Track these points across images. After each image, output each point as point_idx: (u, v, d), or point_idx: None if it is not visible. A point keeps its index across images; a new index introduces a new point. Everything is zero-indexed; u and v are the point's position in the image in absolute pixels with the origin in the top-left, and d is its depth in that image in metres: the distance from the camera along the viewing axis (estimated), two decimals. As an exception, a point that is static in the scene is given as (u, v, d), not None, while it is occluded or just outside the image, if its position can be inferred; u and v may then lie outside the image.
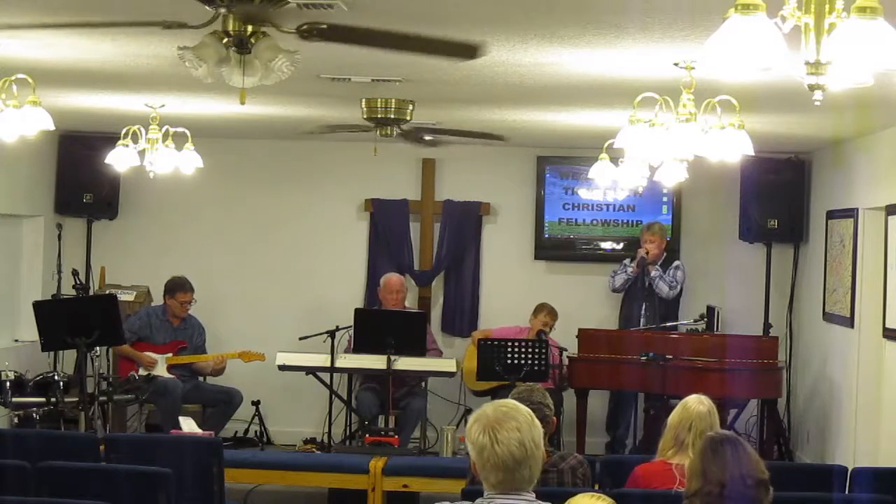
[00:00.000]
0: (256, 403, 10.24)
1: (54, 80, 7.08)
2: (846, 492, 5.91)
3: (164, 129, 7.88)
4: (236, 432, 10.27)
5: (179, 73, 5.68)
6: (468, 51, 4.89)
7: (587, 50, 5.64)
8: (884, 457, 8.13)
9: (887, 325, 8.26)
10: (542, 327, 9.79)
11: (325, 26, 4.61)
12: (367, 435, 8.93)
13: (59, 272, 10.31)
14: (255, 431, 10.38)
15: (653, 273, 9.98)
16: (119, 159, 7.93)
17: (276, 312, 10.76)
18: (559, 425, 7.95)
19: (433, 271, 10.93)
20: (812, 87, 2.93)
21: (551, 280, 10.84)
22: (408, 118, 7.84)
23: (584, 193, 10.82)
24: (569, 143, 10.15)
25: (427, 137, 8.79)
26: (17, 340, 9.94)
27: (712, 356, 9.10)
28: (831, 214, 9.68)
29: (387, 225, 10.91)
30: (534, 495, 3.41)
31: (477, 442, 3.37)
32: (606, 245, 10.88)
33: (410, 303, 10.50)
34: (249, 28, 4.54)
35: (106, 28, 5.38)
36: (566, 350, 9.70)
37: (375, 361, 9.08)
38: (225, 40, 4.56)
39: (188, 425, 7.79)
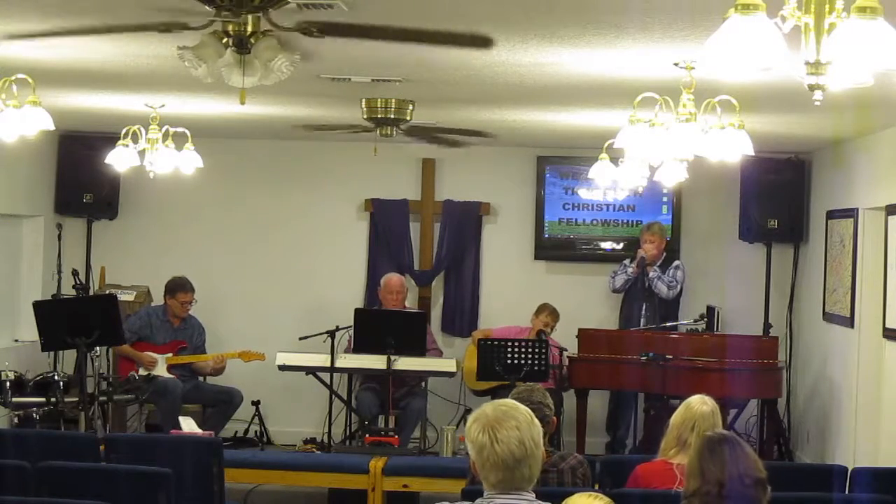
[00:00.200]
0: (256, 403, 10.24)
1: (54, 80, 7.08)
2: (846, 492, 5.91)
3: (164, 129, 7.88)
4: (236, 432, 10.27)
5: (179, 73, 5.68)
6: (483, 42, 4.90)
7: (587, 50, 5.64)
8: (884, 457, 8.13)
9: (887, 325, 8.26)
10: (543, 327, 9.79)
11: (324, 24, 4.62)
12: (367, 435, 8.93)
13: (59, 272, 10.31)
14: (255, 431, 10.38)
15: (651, 274, 9.98)
16: (119, 159, 7.93)
17: (276, 312, 10.76)
18: (559, 425, 7.95)
19: (433, 271, 10.94)
20: (812, 87, 2.93)
21: (551, 280, 10.84)
22: (408, 118, 7.84)
23: (584, 193, 10.83)
24: (569, 143, 10.15)
25: (441, 136, 8.79)
26: (17, 340, 9.94)
27: (712, 356, 9.10)
28: (831, 214, 9.68)
29: (387, 225, 10.91)
30: (534, 495, 3.41)
31: (477, 441, 3.37)
32: (606, 245, 10.88)
33: (410, 303, 10.50)
34: (249, 28, 4.54)
35: (106, 29, 5.38)
36: (566, 350, 9.70)
37: (375, 361, 9.08)
38: (225, 40, 4.56)
39: (188, 425, 7.79)
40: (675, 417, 5.21)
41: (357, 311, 9.52)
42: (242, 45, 4.53)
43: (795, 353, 10.51)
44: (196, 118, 8.66)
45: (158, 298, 10.06)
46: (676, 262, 10.24)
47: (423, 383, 9.80)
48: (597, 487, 5.68)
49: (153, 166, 7.87)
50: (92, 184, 10.35)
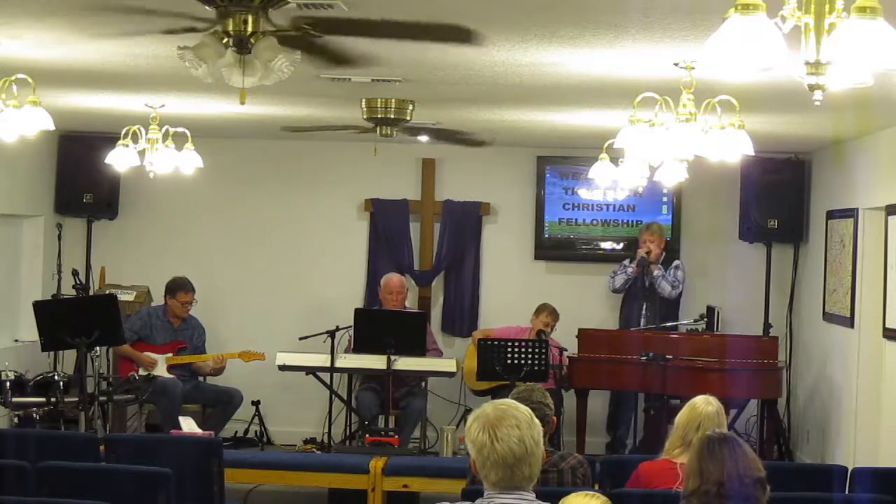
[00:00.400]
0: (256, 403, 10.24)
1: (54, 80, 7.08)
2: (846, 492, 5.91)
3: (164, 129, 7.88)
4: (236, 432, 10.27)
5: (179, 73, 5.68)
6: (462, 34, 4.90)
7: (587, 50, 5.64)
8: (884, 457, 8.13)
9: (887, 325, 8.26)
10: (543, 327, 9.79)
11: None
12: (367, 435, 8.92)
13: (59, 272, 10.32)
14: (255, 431, 10.38)
15: (655, 273, 9.98)
16: (119, 159, 7.92)
17: (276, 312, 10.76)
18: (559, 425, 7.96)
19: (433, 271, 10.94)
20: (812, 87, 2.93)
21: (551, 280, 10.84)
22: (408, 118, 7.84)
23: (584, 193, 10.83)
24: (569, 143, 10.15)
25: (458, 136, 8.79)
26: (17, 340, 9.94)
27: (712, 356, 9.10)
28: (831, 214, 9.68)
29: (387, 225, 10.92)
30: (534, 495, 3.41)
31: (477, 440, 3.37)
32: (606, 245, 10.88)
33: (410, 303, 10.50)
34: (249, 28, 4.54)
35: (106, 29, 5.38)
36: (566, 350, 9.70)
37: (375, 361, 9.08)
38: (225, 40, 4.57)
39: (188, 425, 7.78)
40: (681, 417, 5.22)
41: (357, 311, 9.52)
42: (242, 45, 4.53)
43: (795, 353, 10.51)
44: (196, 118, 8.66)
45: (158, 298, 10.06)
46: (676, 262, 10.24)
47: (423, 383, 9.80)
48: (597, 487, 5.69)
49: (153, 166, 7.87)
50: (92, 184, 10.35)
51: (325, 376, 9.32)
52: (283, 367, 9.34)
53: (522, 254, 10.95)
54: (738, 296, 10.52)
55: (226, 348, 10.02)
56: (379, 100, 7.68)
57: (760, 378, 9.19)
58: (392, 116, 7.76)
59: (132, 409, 9.73)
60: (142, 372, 9.30)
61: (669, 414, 8.83)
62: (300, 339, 9.56)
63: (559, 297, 10.25)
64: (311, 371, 9.35)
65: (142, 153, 7.92)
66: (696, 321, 10.11)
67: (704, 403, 5.18)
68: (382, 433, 8.86)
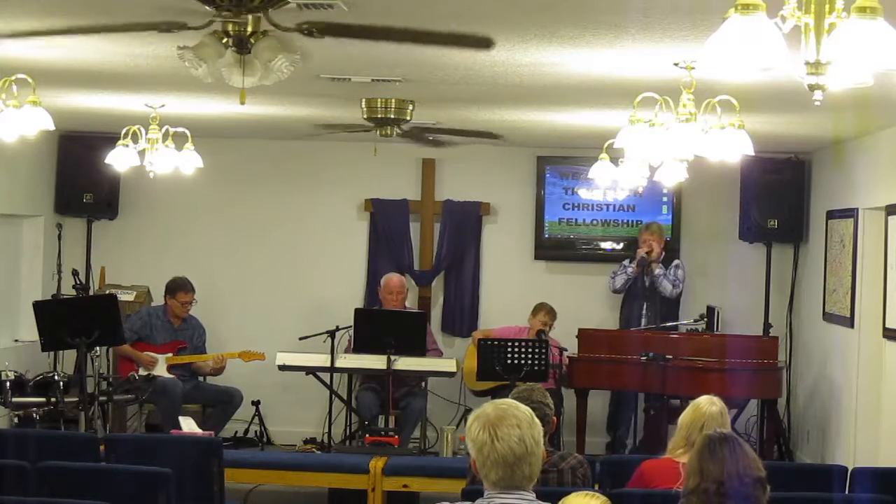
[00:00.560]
0: (256, 403, 10.24)
1: (54, 80, 7.08)
2: (846, 492, 5.92)
3: (164, 129, 7.88)
4: (236, 432, 10.27)
5: (179, 73, 5.68)
6: (484, 43, 4.90)
7: (587, 50, 5.64)
8: (884, 457, 8.13)
9: (887, 325, 8.26)
10: (542, 327, 9.79)
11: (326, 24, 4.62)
12: (367, 435, 8.92)
13: (59, 272, 10.32)
14: (255, 431, 10.38)
15: (657, 272, 9.99)
16: (119, 159, 7.93)
17: (276, 312, 10.76)
18: (559, 425, 7.96)
19: (433, 271, 10.94)
20: (812, 87, 2.93)
21: (551, 280, 10.84)
22: (408, 118, 7.84)
23: (584, 193, 10.83)
24: (569, 143, 10.15)
25: (430, 137, 8.79)
26: (17, 340, 9.94)
27: (712, 356, 9.10)
28: (831, 214, 9.68)
29: (387, 225, 10.92)
30: (534, 495, 3.41)
31: (477, 439, 3.37)
32: (606, 245, 10.88)
33: (410, 303, 10.50)
34: (249, 28, 4.54)
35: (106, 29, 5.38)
36: (566, 350, 9.70)
37: (375, 361, 9.08)
38: (225, 40, 4.57)
39: (188, 425, 7.79)
40: (684, 418, 5.22)
41: (357, 311, 9.52)
42: (242, 45, 4.53)
43: (795, 353, 10.52)
44: (196, 118, 8.66)
45: (158, 298, 10.06)
46: (676, 262, 10.25)
47: (423, 383, 9.80)
48: (597, 487, 5.69)
49: (153, 166, 7.87)
50: (92, 184, 10.35)
51: (325, 376, 9.32)
52: (283, 367, 9.34)
53: (522, 254, 10.95)
54: (738, 296, 10.52)
55: (226, 348, 10.02)
56: (379, 100, 7.68)
57: (760, 378, 9.20)
58: (392, 116, 7.76)
59: (132, 409, 9.73)
60: (142, 372, 9.30)
61: (669, 414, 8.86)
62: (300, 339, 9.56)
63: (559, 297, 10.25)
64: (311, 371, 9.35)
65: (142, 153, 7.92)
66: (696, 321, 10.11)
67: (708, 404, 5.19)
68: (382, 433, 8.86)
